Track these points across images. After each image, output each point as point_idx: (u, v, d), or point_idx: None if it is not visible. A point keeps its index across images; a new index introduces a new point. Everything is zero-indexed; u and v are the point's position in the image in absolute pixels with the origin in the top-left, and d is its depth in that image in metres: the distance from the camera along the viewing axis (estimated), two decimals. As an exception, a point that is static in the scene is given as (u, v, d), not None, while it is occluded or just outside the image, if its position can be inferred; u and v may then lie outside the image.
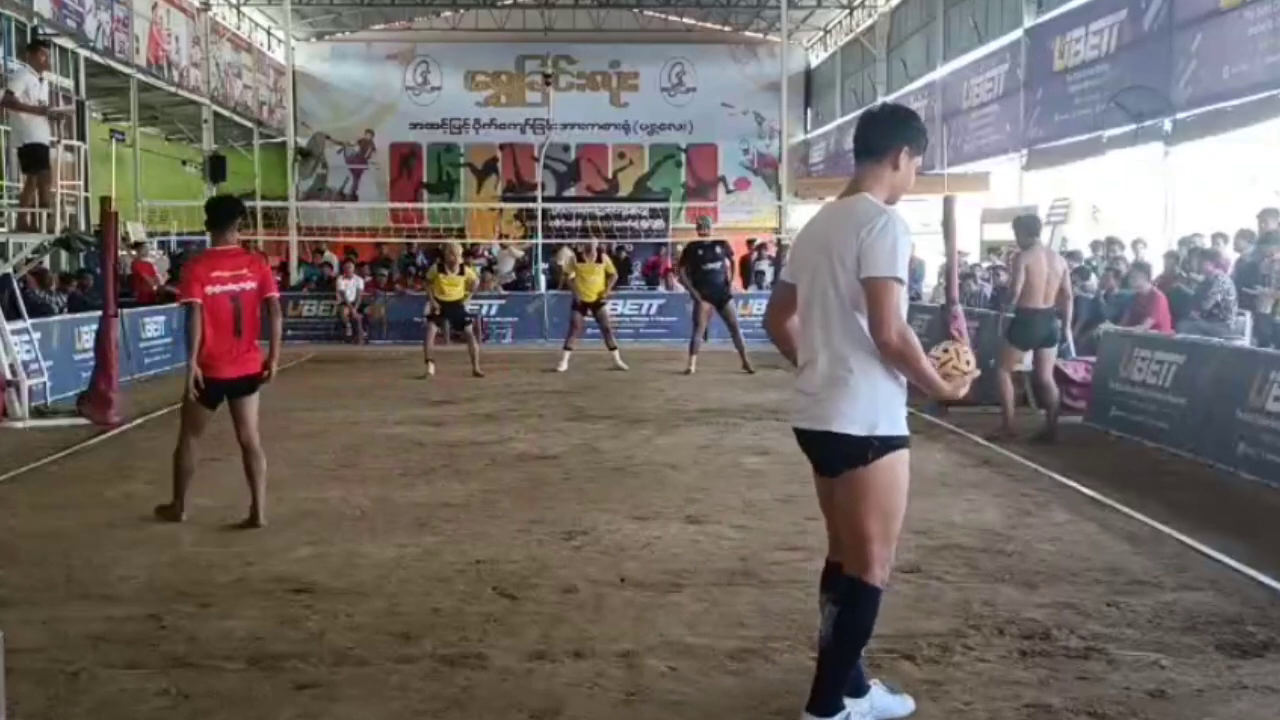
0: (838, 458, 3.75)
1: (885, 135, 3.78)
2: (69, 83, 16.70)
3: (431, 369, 14.67)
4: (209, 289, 6.55)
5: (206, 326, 6.53)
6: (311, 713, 4.04)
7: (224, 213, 6.84)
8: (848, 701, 3.86)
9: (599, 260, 16.34)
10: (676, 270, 18.04)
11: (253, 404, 6.83)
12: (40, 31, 16.14)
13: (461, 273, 15.25)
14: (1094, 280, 13.95)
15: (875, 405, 3.66)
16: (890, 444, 3.70)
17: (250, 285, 6.67)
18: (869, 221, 3.61)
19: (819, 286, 3.72)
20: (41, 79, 11.19)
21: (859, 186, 3.76)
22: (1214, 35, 13.54)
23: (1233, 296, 11.53)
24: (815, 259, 3.75)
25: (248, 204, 25.64)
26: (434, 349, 15.08)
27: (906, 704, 4.04)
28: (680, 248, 22.52)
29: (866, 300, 3.60)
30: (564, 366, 15.42)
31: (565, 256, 22.07)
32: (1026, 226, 9.86)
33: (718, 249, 15.65)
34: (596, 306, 16.10)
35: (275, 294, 6.88)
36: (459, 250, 15.74)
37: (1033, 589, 5.41)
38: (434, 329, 15.27)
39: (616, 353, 15.87)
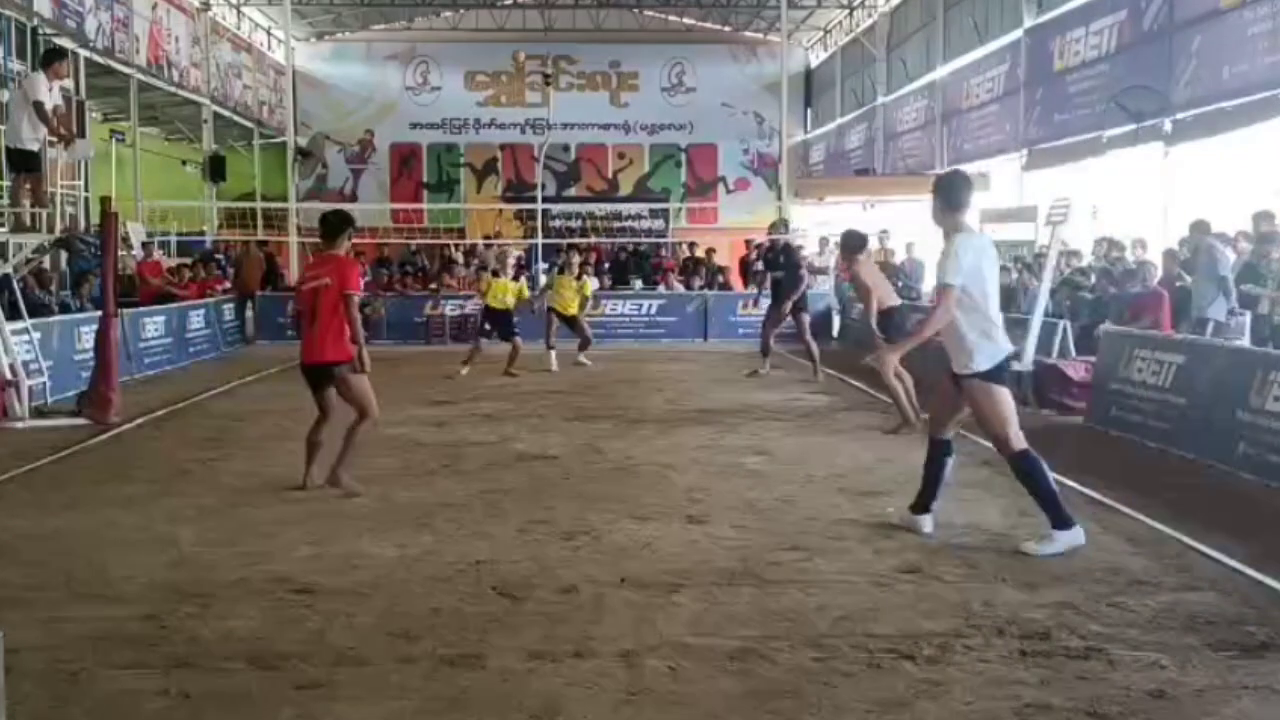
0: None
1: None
2: (69, 83, 16.70)
3: (465, 370, 14.44)
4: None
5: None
6: (312, 713, 4.04)
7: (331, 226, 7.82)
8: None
9: (579, 278, 16.03)
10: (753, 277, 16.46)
11: (342, 386, 7.64)
12: (40, 32, 16.17)
13: (516, 279, 15.09)
14: (1093, 279, 13.97)
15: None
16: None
17: (326, 283, 7.53)
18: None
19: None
20: (53, 88, 11.20)
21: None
22: (1214, 35, 13.54)
23: (1233, 296, 11.51)
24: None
25: (247, 205, 25.95)
26: (478, 354, 14.83)
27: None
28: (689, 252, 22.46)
29: None
30: (554, 365, 15.26)
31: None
32: (859, 242, 10.52)
33: (781, 258, 14.67)
34: (572, 321, 15.86)
35: (350, 291, 7.60)
36: (512, 256, 15.69)
37: (1033, 589, 5.41)
38: (483, 342, 14.99)
39: (583, 354, 15.75)
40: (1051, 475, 6.08)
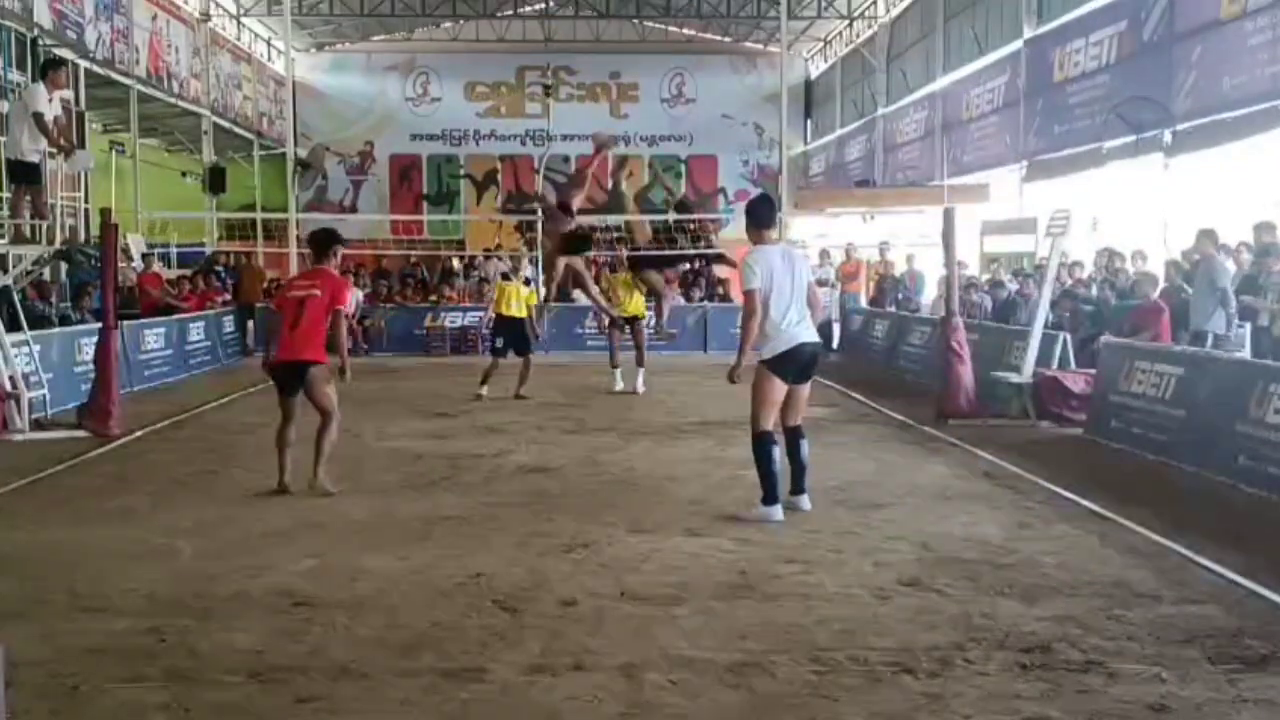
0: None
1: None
2: (69, 94, 16.73)
3: (485, 390, 13.44)
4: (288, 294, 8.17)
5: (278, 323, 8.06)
6: (312, 727, 4.04)
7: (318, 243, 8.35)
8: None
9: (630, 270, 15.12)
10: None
11: (311, 385, 8.01)
12: (41, 43, 16.20)
13: (527, 284, 13.99)
14: (1094, 291, 13.98)
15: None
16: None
17: (315, 294, 7.93)
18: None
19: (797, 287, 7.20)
20: (52, 99, 11.17)
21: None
22: (1214, 46, 13.58)
23: (1232, 309, 11.52)
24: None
25: (248, 216, 25.96)
26: (495, 370, 13.72)
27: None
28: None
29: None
30: (619, 385, 14.25)
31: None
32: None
33: (668, 270, 14.33)
34: (633, 320, 14.52)
35: (340, 307, 8.09)
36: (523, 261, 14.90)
37: (1033, 602, 5.41)
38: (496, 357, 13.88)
39: (640, 372, 14.32)
40: (777, 461, 7.14)
